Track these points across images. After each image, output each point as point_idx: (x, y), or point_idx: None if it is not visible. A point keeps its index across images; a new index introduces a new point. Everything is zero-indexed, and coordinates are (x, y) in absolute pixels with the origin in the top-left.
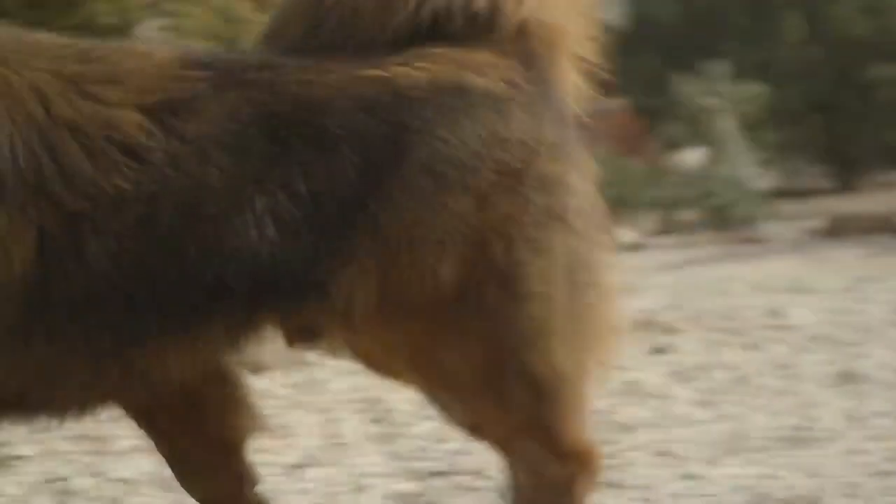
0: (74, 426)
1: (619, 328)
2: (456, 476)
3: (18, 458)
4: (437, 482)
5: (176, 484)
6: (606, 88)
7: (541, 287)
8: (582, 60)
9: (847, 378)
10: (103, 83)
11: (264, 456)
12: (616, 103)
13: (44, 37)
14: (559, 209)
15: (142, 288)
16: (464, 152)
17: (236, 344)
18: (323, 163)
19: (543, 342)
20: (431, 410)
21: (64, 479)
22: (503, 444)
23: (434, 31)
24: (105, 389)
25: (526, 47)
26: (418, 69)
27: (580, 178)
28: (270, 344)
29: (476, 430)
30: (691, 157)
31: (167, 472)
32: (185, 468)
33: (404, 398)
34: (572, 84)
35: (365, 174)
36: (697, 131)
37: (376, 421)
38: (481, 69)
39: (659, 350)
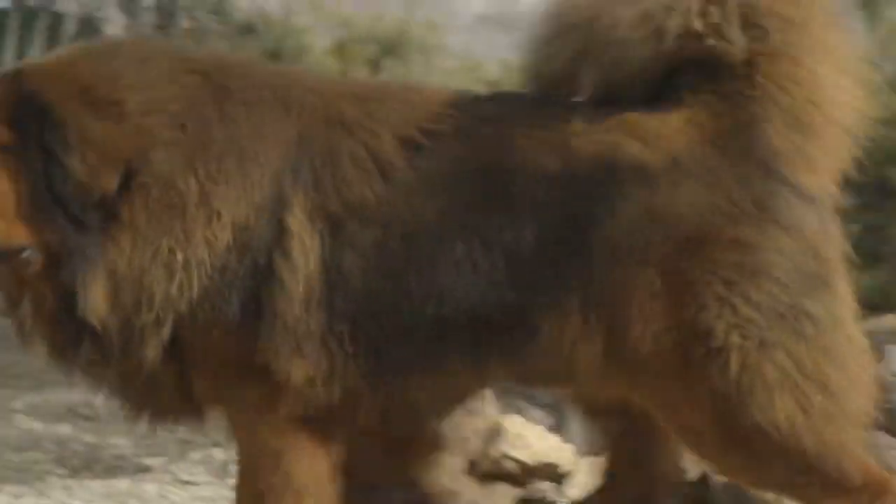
0: None
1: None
2: None
3: None
4: None
5: None
6: None
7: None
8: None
9: None
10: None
11: None
12: None
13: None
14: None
15: (386, 313)
16: (626, 226)
17: (479, 381)
18: (511, 223)
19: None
20: None
21: None
22: None
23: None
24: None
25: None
26: (590, 141)
27: (776, 236)
28: None
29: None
30: None
31: None
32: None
33: None
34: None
35: (553, 239)
36: None
37: None
38: (646, 140)
39: None
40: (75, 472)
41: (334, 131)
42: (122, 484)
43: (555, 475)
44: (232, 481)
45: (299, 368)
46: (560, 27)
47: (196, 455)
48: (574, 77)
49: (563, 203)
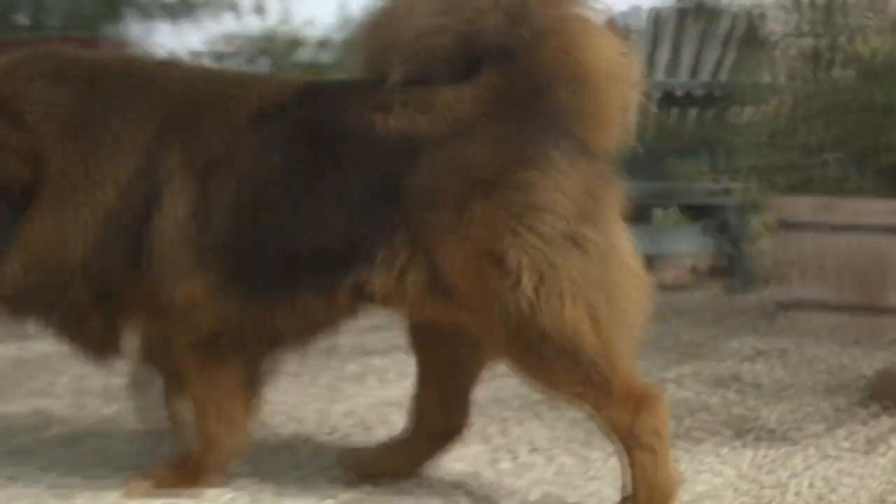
0: None
1: None
2: None
3: None
4: None
5: None
6: None
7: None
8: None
9: None
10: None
11: None
12: None
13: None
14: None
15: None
16: (425, 177)
17: (331, 310)
18: (338, 175)
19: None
20: None
21: None
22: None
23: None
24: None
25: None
26: (394, 115)
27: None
28: None
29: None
30: None
31: None
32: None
33: None
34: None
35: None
36: None
37: None
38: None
39: None
40: (726, 441)
41: (196, 108)
42: (771, 454)
43: None
44: (880, 458)
45: (180, 293)
46: (371, 30)
47: (842, 430)
48: (388, 67)
49: (379, 161)
